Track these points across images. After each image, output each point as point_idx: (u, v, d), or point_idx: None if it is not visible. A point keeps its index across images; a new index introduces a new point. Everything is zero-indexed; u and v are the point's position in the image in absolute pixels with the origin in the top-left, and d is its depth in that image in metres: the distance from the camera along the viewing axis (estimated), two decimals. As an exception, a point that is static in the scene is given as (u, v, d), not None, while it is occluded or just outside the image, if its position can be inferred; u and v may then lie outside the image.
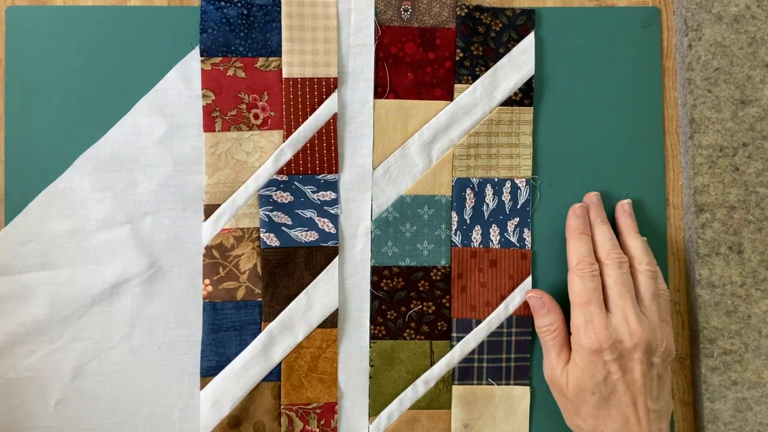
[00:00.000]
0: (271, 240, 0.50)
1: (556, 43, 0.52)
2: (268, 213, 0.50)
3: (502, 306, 0.51)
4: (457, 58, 0.51)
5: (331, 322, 0.50)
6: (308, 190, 0.51)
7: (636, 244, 0.48)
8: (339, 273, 0.51)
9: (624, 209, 0.50)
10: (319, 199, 0.51)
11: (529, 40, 0.51)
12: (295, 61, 0.50)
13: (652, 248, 0.49)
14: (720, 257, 0.50)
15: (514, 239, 0.51)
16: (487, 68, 0.51)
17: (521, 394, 0.51)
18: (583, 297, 0.46)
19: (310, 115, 0.50)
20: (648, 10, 0.52)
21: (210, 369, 0.50)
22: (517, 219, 0.51)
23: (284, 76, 0.50)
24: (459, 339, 0.51)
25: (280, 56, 0.50)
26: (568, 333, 0.48)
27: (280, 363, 0.50)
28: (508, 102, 0.51)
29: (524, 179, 0.51)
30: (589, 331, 0.45)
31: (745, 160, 0.50)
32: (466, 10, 0.51)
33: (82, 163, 0.49)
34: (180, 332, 0.50)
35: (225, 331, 0.50)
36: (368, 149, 0.51)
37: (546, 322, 0.48)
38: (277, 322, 0.50)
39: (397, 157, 0.51)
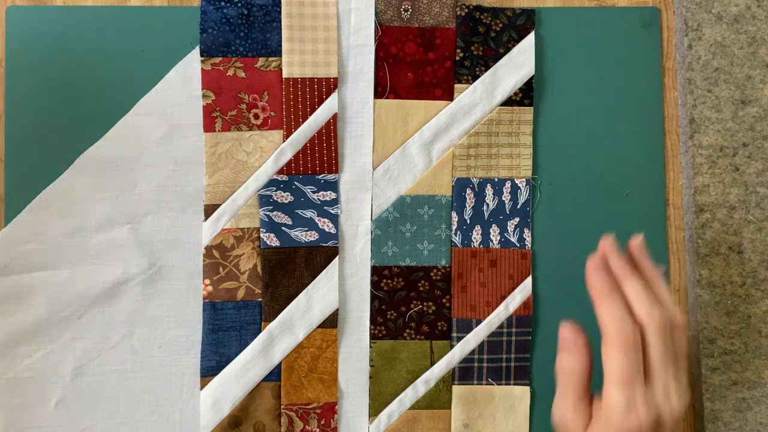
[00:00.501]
0: (271, 240, 0.50)
1: (556, 43, 0.52)
2: (268, 213, 0.50)
3: (502, 306, 0.51)
4: (457, 58, 0.51)
5: (331, 322, 0.50)
6: (308, 190, 0.51)
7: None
8: (339, 273, 0.51)
9: (637, 250, 0.43)
10: (319, 199, 0.51)
11: (529, 40, 0.51)
12: (295, 61, 0.50)
13: (653, 248, 0.47)
14: (720, 257, 0.50)
15: (514, 239, 0.51)
16: (487, 68, 0.51)
17: (521, 394, 0.51)
18: (626, 375, 0.39)
19: (310, 115, 0.50)
20: (648, 10, 0.52)
21: (210, 369, 0.50)
22: (517, 219, 0.51)
23: (284, 76, 0.50)
24: (459, 339, 0.51)
25: (280, 56, 0.50)
26: (590, 377, 0.42)
27: (280, 363, 0.50)
28: (508, 102, 0.51)
29: (524, 179, 0.51)
30: (631, 414, 0.39)
31: (745, 160, 0.50)
32: (466, 10, 0.51)
33: (82, 163, 0.49)
34: (180, 332, 0.50)
35: (225, 331, 0.50)
36: (368, 149, 0.51)
37: (573, 363, 0.41)
38: (277, 322, 0.50)
39: (397, 157, 0.51)
